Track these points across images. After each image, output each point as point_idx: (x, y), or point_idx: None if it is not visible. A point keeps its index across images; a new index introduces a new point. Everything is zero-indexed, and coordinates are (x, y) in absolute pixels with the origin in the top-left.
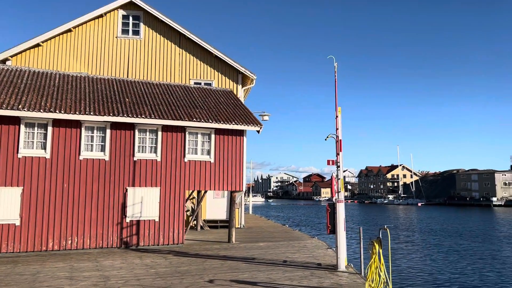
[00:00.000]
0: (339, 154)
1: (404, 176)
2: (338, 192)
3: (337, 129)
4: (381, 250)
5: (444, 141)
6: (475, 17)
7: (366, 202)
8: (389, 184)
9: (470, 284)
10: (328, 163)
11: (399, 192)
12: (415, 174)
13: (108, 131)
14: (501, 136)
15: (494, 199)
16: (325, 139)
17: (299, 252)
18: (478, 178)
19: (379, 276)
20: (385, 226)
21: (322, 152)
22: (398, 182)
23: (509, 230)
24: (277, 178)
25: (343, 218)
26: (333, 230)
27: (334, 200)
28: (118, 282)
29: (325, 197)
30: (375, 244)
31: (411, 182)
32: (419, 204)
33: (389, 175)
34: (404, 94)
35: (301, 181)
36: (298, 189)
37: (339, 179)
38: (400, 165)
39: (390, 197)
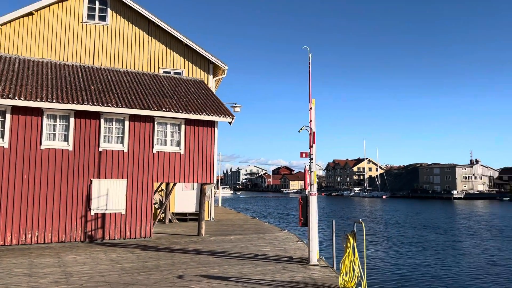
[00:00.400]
0: (312, 147)
1: (370, 169)
2: (311, 184)
3: (310, 121)
4: (355, 244)
5: (408, 136)
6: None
7: (333, 194)
8: (355, 177)
9: (433, 274)
10: (301, 156)
11: (365, 185)
12: (380, 167)
13: (72, 120)
14: (462, 131)
15: (455, 192)
16: (299, 131)
17: (270, 245)
18: (440, 172)
19: (353, 270)
20: (360, 219)
21: (291, 145)
22: (364, 175)
23: (469, 222)
24: (246, 170)
25: (315, 211)
26: (306, 223)
27: (306, 192)
28: (81, 278)
29: (293, 189)
30: (350, 237)
31: (377, 175)
32: (384, 197)
33: (355, 168)
34: (370, 89)
35: (270, 173)
36: (267, 182)
37: (312, 171)
38: (366, 158)
39: (356, 189)
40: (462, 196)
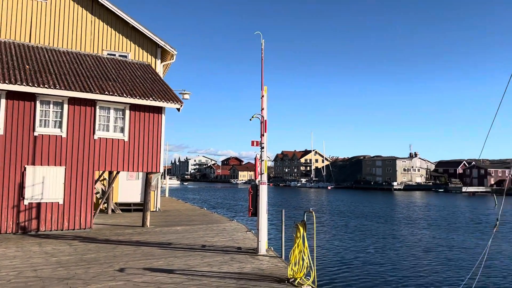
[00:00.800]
0: (263, 135)
1: (317, 161)
2: (262, 174)
3: (262, 109)
4: (305, 234)
5: (353, 128)
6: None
7: (281, 185)
8: (302, 168)
9: (373, 261)
10: (252, 144)
11: (311, 176)
12: (326, 159)
13: (3, 101)
14: (402, 125)
15: (395, 183)
16: (250, 119)
17: (218, 236)
18: (382, 164)
19: (303, 260)
20: (311, 209)
21: (242, 136)
22: (310, 167)
23: (407, 212)
24: (195, 161)
25: (265, 201)
26: (255, 213)
27: (257, 182)
28: (9, 274)
29: (242, 180)
30: (300, 227)
31: (323, 167)
32: (329, 187)
33: (302, 160)
34: (318, 81)
35: (219, 164)
36: (216, 172)
37: (263, 160)
38: (313, 150)
39: (303, 180)
40: (402, 188)
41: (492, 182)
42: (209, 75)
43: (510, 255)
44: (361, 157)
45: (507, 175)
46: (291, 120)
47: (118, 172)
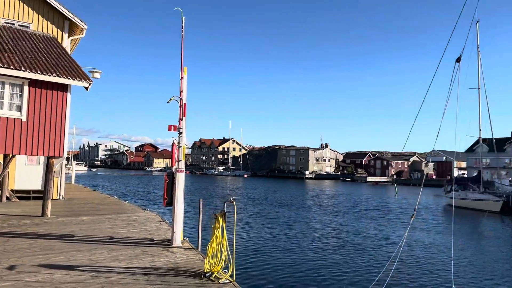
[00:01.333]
0: (182, 120)
1: (234, 149)
2: (179, 161)
3: (181, 91)
4: (225, 225)
5: (270, 118)
6: None
7: (197, 173)
8: (220, 156)
9: (284, 248)
10: (170, 129)
11: (229, 164)
12: (243, 148)
13: None
14: (315, 116)
15: (307, 172)
16: (168, 102)
17: (129, 226)
18: (296, 154)
19: (221, 252)
20: (232, 198)
21: (158, 122)
22: (228, 155)
23: (318, 199)
24: (106, 146)
25: (182, 190)
26: (171, 202)
27: (173, 169)
28: None
29: (157, 167)
30: (219, 217)
31: (240, 155)
32: (245, 176)
33: (220, 148)
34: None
35: (133, 150)
36: (129, 159)
37: (181, 146)
38: (231, 139)
39: (220, 168)
40: (313, 177)
41: (393, 173)
42: (125, 56)
43: (414, 242)
44: (277, 147)
45: (406, 166)
46: (210, 108)
47: (13, 155)
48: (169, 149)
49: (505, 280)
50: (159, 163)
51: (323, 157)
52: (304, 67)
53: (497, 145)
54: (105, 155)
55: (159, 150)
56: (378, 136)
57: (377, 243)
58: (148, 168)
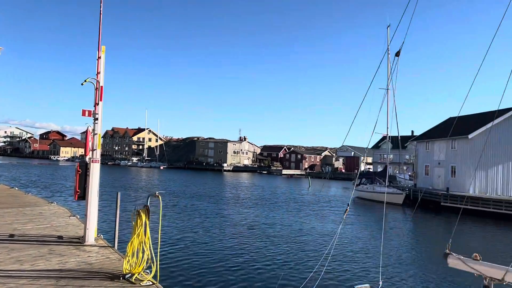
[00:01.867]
0: (98, 104)
1: (150, 139)
2: (94, 150)
3: (98, 73)
4: (148, 221)
5: (189, 110)
6: None
7: (109, 163)
8: (134, 146)
9: (200, 241)
10: (84, 114)
11: (144, 155)
12: (160, 138)
13: None
14: (233, 110)
15: (225, 165)
16: (82, 84)
17: (32, 222)
18: (214, 146)
19: (143, 252)
20: (157, 192)
21: (67, 108)
22: (143, 145)
23: (237, 192)
24: (6, 132)
25: (97, 182)
26: (83, 196)
27: (87, 159)
28: None
29: (64, 156)
30: (142, 214)
31: (156, 146)
32: (162, 167)
33: (135, 138)
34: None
35: (37, 138)
36: (32, 147)
37: (96, 134)
38: (147, 128)
39: (134, 159)
40: (231, 169)
41: (306, 166)
42: (30, 32)
43: (327, 233)
44: (195, 139)
45: (318, 160)
46: (125, 95)
47: None
48: (79, 137)
49: (422, 269)
50: (66, 152)
51: (241, 150)
52: (223, 60)
53: (400, 142)
54: (4, 142)
55: (67, 138)
56: (294, 130)
57: (301, 236)
58: (54, 157)
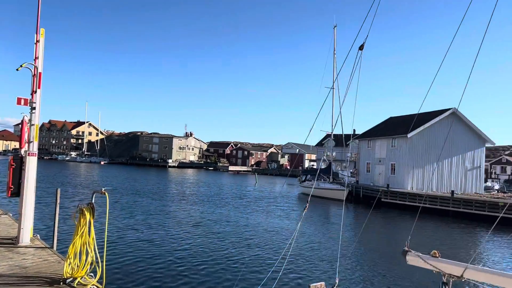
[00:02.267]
0: (36, 92)
1: (90, 133)
2: (30, 142)
3: (36, 58)
4: (93, 220)
5: (132, 103)
6: None
7: (45, 158)
8: (73, 140)
9: (143, 238)
10: (19, 103)
11: (83, 149)
12: (101, 132)
13: None
14: (178, 105)
15: (170, 161)
16: (17, 69)
17: None
18: (159, 141)
19: (87, 254)
20: (103, 189)
21: None
22: (83, 139)
23: (182, 188)
24: None
25: (33, 177)
26: (18, 192)
27: (22, 152)
28: None
29: None
30: (85, 212)
31: (97, 141)
32: (102, 163)
33: (74, 132)
34: (99, 56)
35: None
36: None
37: (34, 125)
38: (87, 122)
39: (73, 154)
40: (176, 165)
41: (253, 163)
42: None
43: (274, 229)
44: (139, 133)
45: (264, 157)
46: (63, 86)
47: None
48: (11, 129)
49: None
50: None
51: (187, 145)
52: (170, 56)
53: (343, 140)
54: None
55: None
56: (241, 127)
57: (253, 234)
58: None
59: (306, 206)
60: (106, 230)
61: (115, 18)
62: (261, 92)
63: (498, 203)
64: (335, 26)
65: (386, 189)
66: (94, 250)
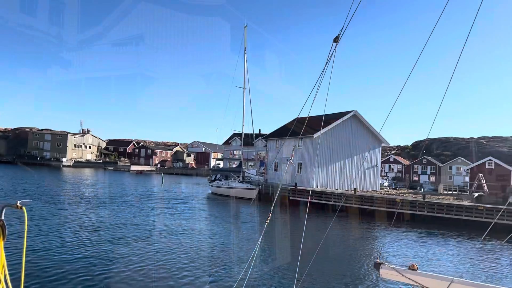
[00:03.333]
0: None
1: None
2: None
3: None
4: (3, 242)
5: (17, 95)
6: None
7: None
8: None
9: (33, 248)
10: None
11: None
12: None
13: None
14: (75, 100)
15: (64, 160)
16: None
17: None
18: (52, 138)
19: None
20: (18, 202)
21: None
22: None
23: (80, 189)
24: None
25: None
26: None
27: None
28: None
29: None
30: None
31: None
32: None
33: None
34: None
35: None
36: None
37: None
38: None
39: None
40: (71, 164)
41: (157, 162)
42: None
43: (189, 230)
44: (27, 129)
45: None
46: None
47: None
48: None
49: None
50: None
51: (83, 143)
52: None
53: (249, 139)
54: None
55: None
56: (143, 125)
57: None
58: None
59: (268, 216)
60: (23, 255)
61: None
62: (167, 92)
63: (395, 199)
64: (245, 26)
65: (293, 187)
66: (6, 280)
